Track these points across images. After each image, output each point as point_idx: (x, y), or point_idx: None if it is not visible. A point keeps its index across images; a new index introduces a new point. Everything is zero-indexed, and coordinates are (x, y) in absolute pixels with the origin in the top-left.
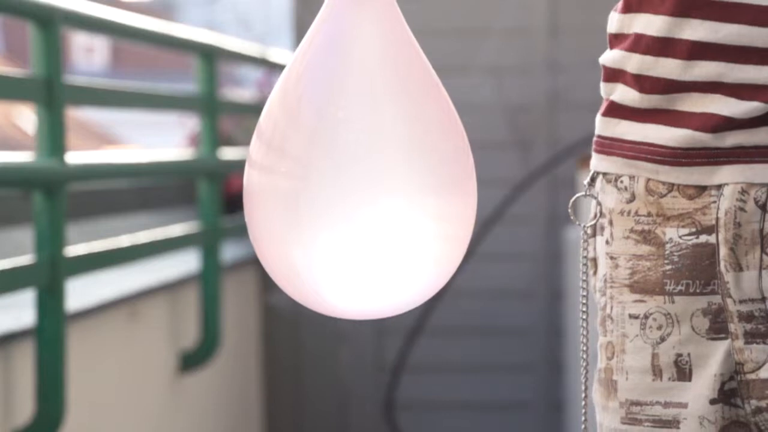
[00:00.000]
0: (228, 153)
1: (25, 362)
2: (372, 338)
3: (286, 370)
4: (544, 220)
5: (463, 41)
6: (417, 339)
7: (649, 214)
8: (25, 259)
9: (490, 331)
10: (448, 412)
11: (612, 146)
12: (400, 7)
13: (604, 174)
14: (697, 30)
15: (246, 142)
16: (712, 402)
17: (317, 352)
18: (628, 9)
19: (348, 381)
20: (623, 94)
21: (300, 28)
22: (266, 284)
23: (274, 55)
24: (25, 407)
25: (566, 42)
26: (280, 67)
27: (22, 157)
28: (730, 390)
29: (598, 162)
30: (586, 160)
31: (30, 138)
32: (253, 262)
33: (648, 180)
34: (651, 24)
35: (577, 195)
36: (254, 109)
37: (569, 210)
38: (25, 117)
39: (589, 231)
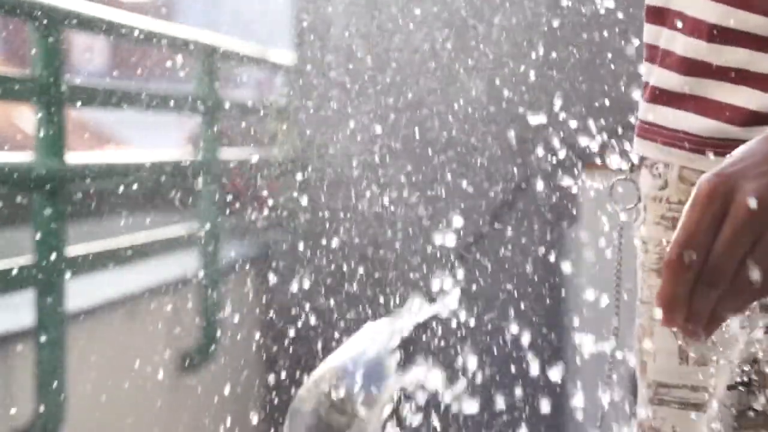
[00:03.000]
0: (228, 153)
1: (25, 362)
2: None
3: (285, 370)
4: (545, 219)
5: (465, 41)
6: (417, 338)
7: (680, 202)
8: (25, 259)
9: (491, 330)
10: (448, 412)
11: (649, 131)
12: (403, 5)
13: (643, 159)
14: (728, 16)
15: (245, 142)
16: (729, 388)
17: (317, 351)
18: None
19: None
20: (659, 76)
21: (300, 28)
22: (266, 284)
23: (274, 55)
24: (25, 407)
25: (566, 42)
26: (280, 67)
27: (22, 157)
28: (750, 378)
29: (638, 146)
30: (587, 161)
31: (30, 138)
32: (253, 262)
33: (682, 168)
34: (691, 5)
35: (615, 179)
36: (254, 110)
37: (609, 194)
38: (25, 117)
39: (628, 215)
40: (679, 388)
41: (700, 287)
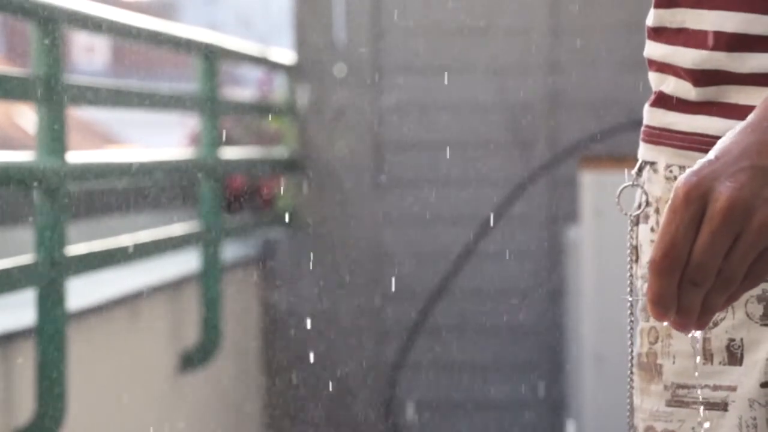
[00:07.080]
0: (228, 152)
1: (25, 362)
2: (372, 337)
3: (286, 370)
4: (545, 219)
5: (465, 41)
6: (417, 338)
7: None
8: (25, 259)
9: (491, 330)
10: (448, 412)
11: (661, 136)
12: (403, 6)
13: (652, 164)
14: (752, 24)
15: (246, 142)
16: (763, 385)
17: (317, 351)
18: (672, 3)
19: (348, 380)
20: (676, 86)
21: (300, 28)
22: (266, 284)
23: (274, 55)
24: (25, 407)
25: (566, 42)
26: (280, 67)
27: (23, 156)
28: None
29: (646, 151)
30: (587, 160)
31: (30, 137)
32: (253, 262)
33: None
34: (703, 19)
35: (624, 185)
36: (254, 109)
37: (616, 199)
38: (26, 116)
39: (633, 219)
40: (700, 388)
41: (686, 285)
